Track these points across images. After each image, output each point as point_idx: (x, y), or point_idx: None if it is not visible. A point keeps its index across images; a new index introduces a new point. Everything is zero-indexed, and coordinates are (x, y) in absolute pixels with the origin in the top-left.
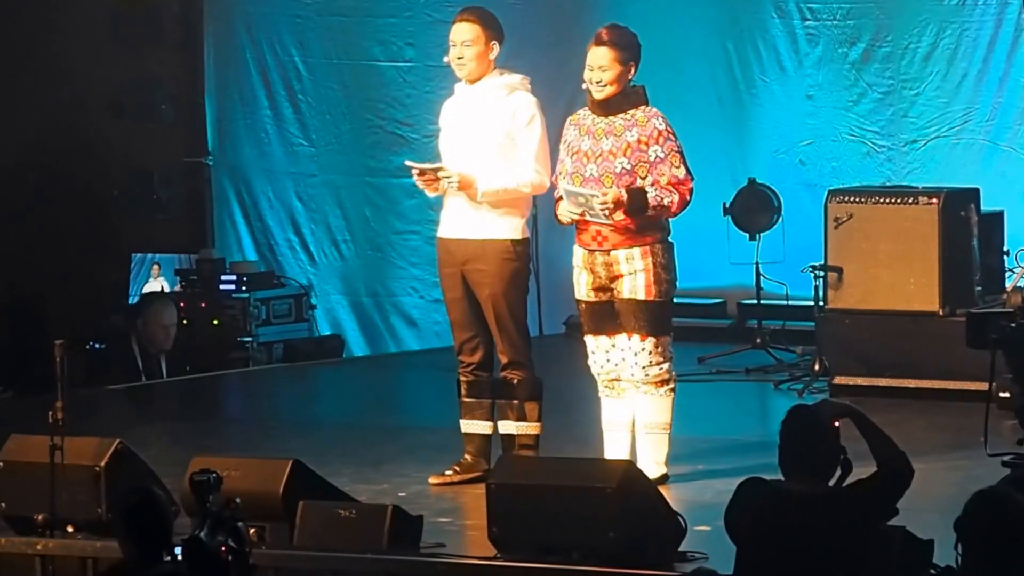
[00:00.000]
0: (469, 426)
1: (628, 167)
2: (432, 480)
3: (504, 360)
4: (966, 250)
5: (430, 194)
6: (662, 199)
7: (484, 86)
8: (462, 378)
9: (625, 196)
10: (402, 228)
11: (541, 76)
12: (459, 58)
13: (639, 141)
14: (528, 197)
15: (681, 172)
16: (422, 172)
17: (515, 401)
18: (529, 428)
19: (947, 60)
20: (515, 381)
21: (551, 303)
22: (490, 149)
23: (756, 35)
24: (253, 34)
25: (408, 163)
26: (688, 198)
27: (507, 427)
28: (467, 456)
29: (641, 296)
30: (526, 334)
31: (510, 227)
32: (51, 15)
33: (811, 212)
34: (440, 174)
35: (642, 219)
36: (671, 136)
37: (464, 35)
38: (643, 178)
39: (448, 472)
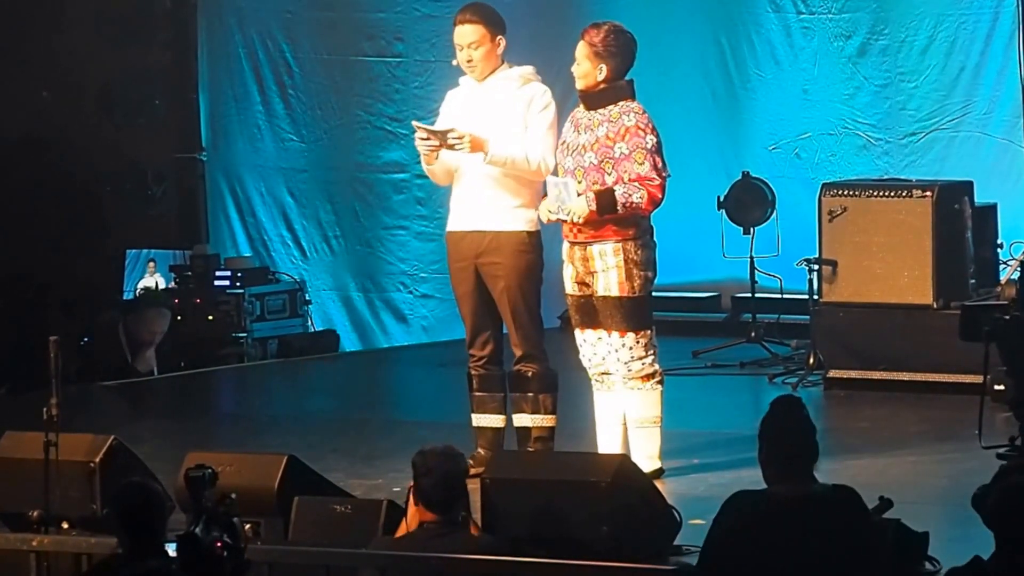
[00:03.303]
0: (481, 420)
1: (595, 162)
2: None
3: (518, 353)
4: (960, 243)
5: (425, 164)
6: (630, 195)
7: (497, 79)
8: (473, 372)
9: (593, 199)
10: (391, 223)
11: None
12: (469, 61)
13: (607, 137)
14: (539, 188)
15: (644, 168)
16: (430, 135)
17: (530, 394)
18: (544, 420)
19: (945, 53)
20: (530, 374)
21: (545, 297)
22: (505, 138)
23: (751, 29)
24: (245, 29)
25: (415, 123)
26: (658, 195)
27: (522, 420)
28: (480, 450)
29: (615, 293)
30: (540, 327)
31: (524, 219)
32: (43, 10)
33: (807, 206)
34: (451, 136)
35: (616, 216)
36: (640, 132)
37: (469, 37)
38: (608, 174)
39: None
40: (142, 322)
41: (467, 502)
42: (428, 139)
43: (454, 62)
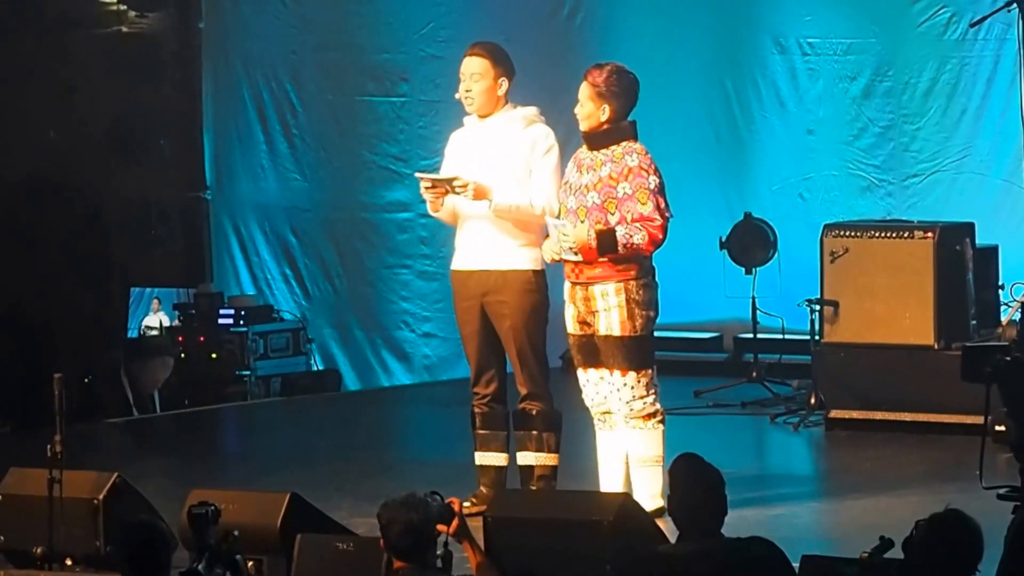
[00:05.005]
0: (484, 458)
1: (598, 202)
2: None
3: (523, 391)
4: (961, 284)
5: (431, 211)
6: (631, 236)
7: (499, 119)
8: (477, 410)
9: (594, 237)
10: (393, 263)
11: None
12: (467, 91)
13: (610, 177)
14: (543, 227)
15: (647, 209)
16: (434, 185)
17: (534, 432)
18: (547, 459)
19: (947, 95)
20: (534, 412)
21: (547, 337)
22: (508, 179)
23: (756, 71)
24: (249, 70)
25: (418, 174)
26: (660, 236)
27: (526, 458)
28: (482, 488)
29: (616, 332)
30: (545, 366)
31: (530, 258)
32: (52, 52)
33: (810, 246)
34: (455, 184)
35: (617, 256)
36: (643, 173)
37: (472, 69)
38: (612, 214)
39: (466, 504)
40: (145, 370)
41: (470, 537)
42: (432, 187)
43: (457, 95)
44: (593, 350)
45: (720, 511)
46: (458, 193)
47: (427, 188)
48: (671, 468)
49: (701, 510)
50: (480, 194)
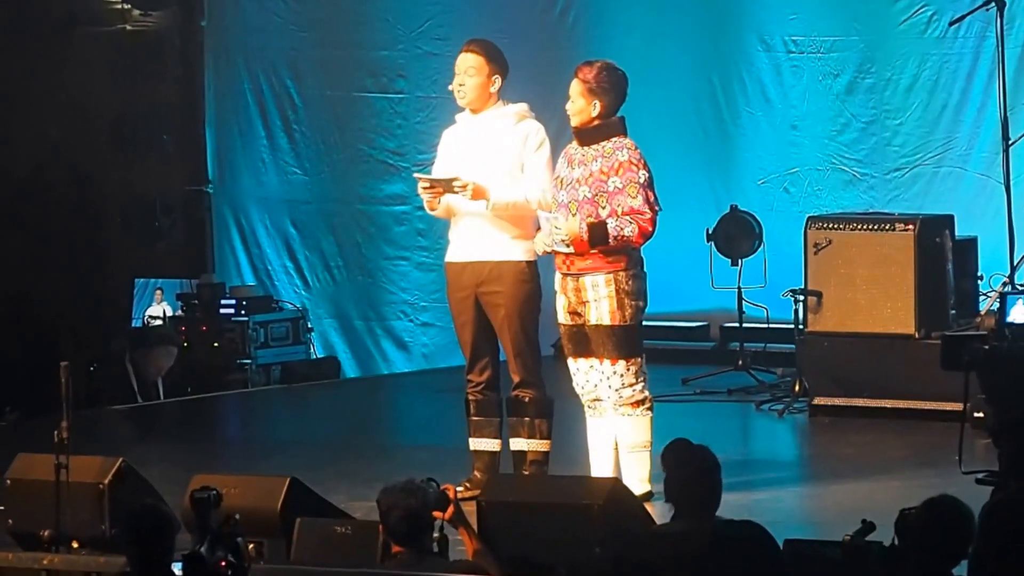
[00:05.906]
0: (478, 444)
1: (589, 195)
2: None
3: (516, 379)
4: (941, 275)
5: (429, 210)
6: (622, 229)
7: (491, 115)
8: (471, 397)
9: (585, 230)
10: (392, 254)
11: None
12: (460, 85)
13: (601, 171)
14: (535, 219)
15: (637, 202)
16: (432, 185)
17: (526, 418)
18: (539, 445)
19: (928, 91)
20: (527, 399)
21: (539, 326)
22: (502, 174)
23: (742, 68)
24: (251, 66)
25: (417, 175)
26: (649, 228)
27: (518, 444)
28: (476, 473)
29: (607, 322)
30: (538, 354)
31: (523, 249)
32: (57, 49)
33: (794, 238)
34: (455, 184)
35: (607, 248)
36: (633, 167)
37: (467, 64)
38: (603, 207)
39: (460, 488)
40: (149, 359)
41: (462, 521)
42: (431, 187)
43: (450, 87)
44: (584, 339)
45: (711, 494)
46: (457, 192)
47: (425, 188)
48: (663, 454)
49: (692, 492)
50: (479, 194)
